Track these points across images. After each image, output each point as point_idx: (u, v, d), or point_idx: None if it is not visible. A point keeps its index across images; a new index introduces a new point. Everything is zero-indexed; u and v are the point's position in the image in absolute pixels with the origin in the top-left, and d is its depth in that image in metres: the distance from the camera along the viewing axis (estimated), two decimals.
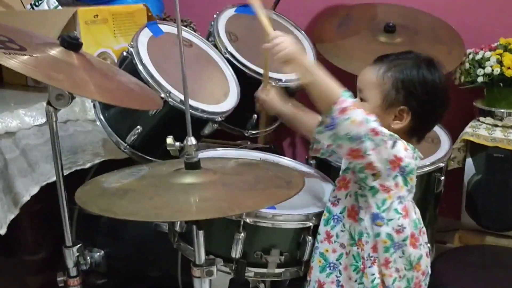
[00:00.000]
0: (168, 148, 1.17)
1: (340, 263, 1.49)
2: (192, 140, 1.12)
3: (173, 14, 1.98)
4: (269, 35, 1.55)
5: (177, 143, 1.16)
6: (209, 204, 0.99)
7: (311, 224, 1.47)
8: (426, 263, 1.53)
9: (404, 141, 1.44)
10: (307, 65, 1.47)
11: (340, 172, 1.57)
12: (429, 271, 1.55)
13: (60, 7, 2.23)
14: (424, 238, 1.54)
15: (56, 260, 1.70)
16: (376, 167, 1.39)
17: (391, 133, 1.41)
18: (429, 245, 1.58)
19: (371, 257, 1.47)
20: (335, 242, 1.50)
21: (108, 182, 1.14)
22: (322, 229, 1.51)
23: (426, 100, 1.47)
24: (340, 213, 1.50)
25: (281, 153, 2.32)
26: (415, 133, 1.52)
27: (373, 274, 1.47)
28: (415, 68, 1.48)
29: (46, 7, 2.22)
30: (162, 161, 1.31)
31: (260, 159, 1.74)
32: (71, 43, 1.35)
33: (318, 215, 1.50)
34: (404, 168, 1.43)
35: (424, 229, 1.55)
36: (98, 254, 1.98)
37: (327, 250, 1.50)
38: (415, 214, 1.52)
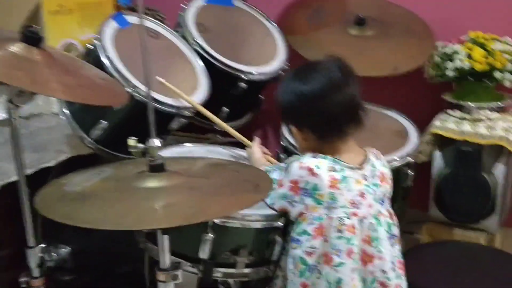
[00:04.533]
0: (130, 150, 1.13)
1: None
2: (155, 142, 1.09)
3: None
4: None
5: (140, 145, 1.12)
6: (174, 211, 0.96)
7: (280, 223, 1.45)
8: None
9: (308, 158, 1.41)
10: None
11: None
12: None
13: None
14: (353, 261, 1.40)
15: (24, 257, 1.66)
16: (279, 208, 1.43)
17: (290, 160, 1.44)
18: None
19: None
20: None
21: (70, 184, 1.10)
22: None
23: (299, 102, 1.46)
24: None
25: None
26: (322, 136, 1.46)
27: None
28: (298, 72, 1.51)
29: None
30: (126, 161, 1.28)
31: (229, 155, 1.72)
32: (32, 38, 1.30)
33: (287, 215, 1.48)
34: (304, 188, 1.39)
35: (372, 252, 1.42)
36: (64, 250, 1.95)
37: None
38: (343, 232, 1.39)
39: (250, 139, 1.79)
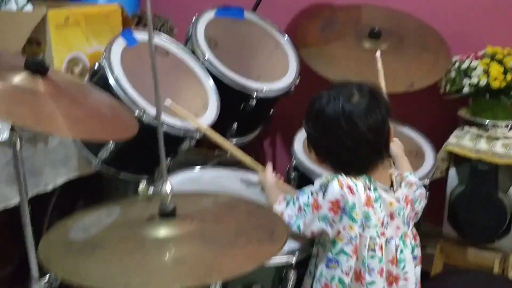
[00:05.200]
0: (140, 194, 1.08)
1: None
2: (167, 187, 1.04)
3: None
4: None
5: (151, 188, 1.07)
6: (185, 269, 0.91)
7: (294, 259, 1.40)
8: None
9: (343, 177, 1.38)
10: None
11: None
12: None
13: (30, 4, 2.08)
14: (383, 280, 1.41)
15: (25, 274, 1.62)
16: (314, 232, 1.39)
17: (323, 181, 1.38)
18: None
19: None
20: None
21: (76, 229, 1.05)
22: None
23: (318, 130, 1.43)
24: None
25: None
26: (343, 169, 1.41)
27: None
28: (320, 97, 1.42)
29: (14, 6, 2.08)
30: (135, 199, 1.22)
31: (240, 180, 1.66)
32: (37, 68, 1.24)
33: (301, 250, 1.44)
34: (344, 207, 1.36)
35: (398, 273, 1.43)
36: None
37: None
38: (376, 251, 1.40)
39: (260, 155, 1.75)
